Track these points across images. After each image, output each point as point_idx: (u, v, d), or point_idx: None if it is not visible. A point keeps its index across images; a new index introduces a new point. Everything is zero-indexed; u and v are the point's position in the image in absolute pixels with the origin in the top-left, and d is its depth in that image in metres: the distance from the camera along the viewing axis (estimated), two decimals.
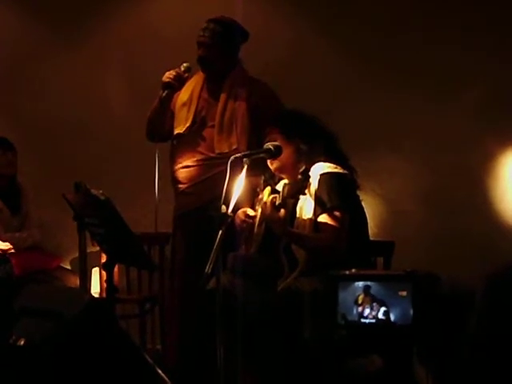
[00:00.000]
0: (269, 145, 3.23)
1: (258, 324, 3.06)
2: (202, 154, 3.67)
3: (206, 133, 3.68)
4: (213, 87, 3.73)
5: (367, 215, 3.31)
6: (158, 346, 4.32)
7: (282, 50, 4.42)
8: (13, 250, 4.18)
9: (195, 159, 3.68)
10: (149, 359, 2.89)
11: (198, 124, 3.70)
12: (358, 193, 3.30)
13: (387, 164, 4.25)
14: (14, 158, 4.35)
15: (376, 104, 4.25)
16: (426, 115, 4.21)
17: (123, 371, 2.69)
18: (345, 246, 3.10)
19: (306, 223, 3.18)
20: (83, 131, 4.72)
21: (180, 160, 3.72)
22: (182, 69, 3.70)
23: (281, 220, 3.10)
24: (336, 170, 3.19)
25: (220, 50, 3.66)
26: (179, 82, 3.69)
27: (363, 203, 3.31)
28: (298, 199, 3.23)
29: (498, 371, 2.58)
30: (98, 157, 4.67)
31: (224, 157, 3.43)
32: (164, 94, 3.66)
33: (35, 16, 4.84)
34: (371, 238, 3.38)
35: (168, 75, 3.67)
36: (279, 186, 3.34)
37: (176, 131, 3.73)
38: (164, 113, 3.73)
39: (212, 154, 3.65)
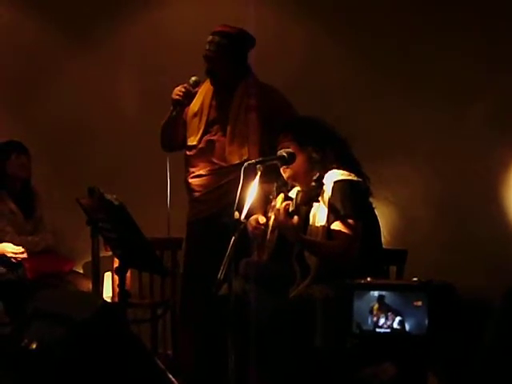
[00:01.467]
0: (282, 152, 3.23)
1: (270, 331, 3.06)
2: (215, 164, 3.67)
3: (218, 142, 3.68)
4: (223, 96, 3.72)
5: (380, 223, 3.31)
6: (169, 351, 4.32)
7: (294, 54, 4.41)
8: (25, 255, 4.19)
9: (208, 169, 3.68)
10: (160, 364, 2.89)
11: (210, 134, 3.70)
12: (371, 200, 3.30)
13: (400, 172, 4.23)
14: (28, 161, 4.36)
15: (389, 111, 4.23)
16: (439, 123, 4.19)
17: (134, 376, 2.69)
18: (357, 254, 3.09)
19: (318, 230, 3.17)
20: (97, 136, 4.73)
21: (193, 169, 3.72)
22: (191, 83, 3.68)
23: (294, 227, 3.10)
24: (350, 178, 3.19)
25: (227, 62, 3.65)
26: (188, 98, 3.69)
27: (376, 211, 3.31)
28: (312, 206, 3.23)
29: None
30: (111, 161, 4.68)
31: (236, 167, 3.44)
32: (174, 113, 3.67)
33: (49, 20, 4.87)
34: (384, 246, 3.38)
35: (177, 92, 3.66)
36: (292, 193, 3.34)
37: (188, 143, 3.73)
38: (176, 126, 3.73)
39: (224, 164, 3.65)
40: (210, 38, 3.65)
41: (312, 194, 3.07)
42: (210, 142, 3.69)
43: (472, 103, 4.17)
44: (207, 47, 3.64)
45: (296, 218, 3.12)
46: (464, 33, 4.16)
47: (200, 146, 3.70)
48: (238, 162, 3.56)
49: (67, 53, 4.83)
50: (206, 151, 3.68)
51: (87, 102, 4.76)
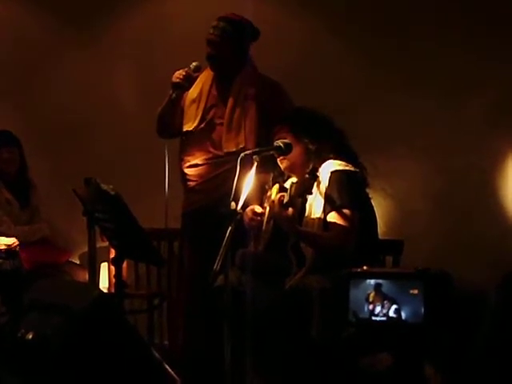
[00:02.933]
0: (279, 142, 3.24)
1: (266, 321, 3.06)
2: (210, 152, 3.67)
3: (215, 131, 3.68)
4: (222, 84, 3.72)
5: (376, 214, 3.31)
6: (166, 342, 4.32)
7: (293, 48, 4.40)
8: (17, 243, 4.18)
9: (204, 158, 3.68)
10: (156, 354, 2.90)
11: (207, 121, 3.70)
12: (368, 191, 3.30)
13: (398, 164, 4.23)
14: (14, 153, 4.32)
15: (388, 104, 4.23)
16: (438, 117, 4.18)
17: (130, 366, 2.70)
18: (353, 245, 3.09)
19: (314, 222, 3.18)
20: (94, 127, 4.74)
21: (189, 158, 3.72)
22: (192, 68, 3.69)
23: (289, 218, 3.10)
24: (347, 168, 3.19)
25: (229, 49, 3.66)
26: (188, 82, 3.69)
27: (373, 202, 3.31)
28: (306, 198, 3.23)
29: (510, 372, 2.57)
30: (109, 152, 4.69)
31: (232, 156, 3.44)
32: (174, 96, 3.66)
33: (48, 13, 4.87)
34: (380, 237, 3.38)
35: (177, 75, 3.66)
36: (287, 184, 3.34)
37: (185, 128, 3.73)
38: (174, 111, 3.73)
39: (220, 153, 3.64)
40: (215, 23, 3.67)
41: (306, 186, 3.07)
42: (207, 130, 3.68)
43: (471, 98, 4.16)
44: (211, 31, 3.65)
45: (291, 209, 3.11)
46: (466, 30, 4.15)
47: (197, 133, 3.69)
48: (234, 149, 3.57)
49: (66, 45, 4.83)
50: (202, 138, 3.68)
51: (86, 94, 4.77)
